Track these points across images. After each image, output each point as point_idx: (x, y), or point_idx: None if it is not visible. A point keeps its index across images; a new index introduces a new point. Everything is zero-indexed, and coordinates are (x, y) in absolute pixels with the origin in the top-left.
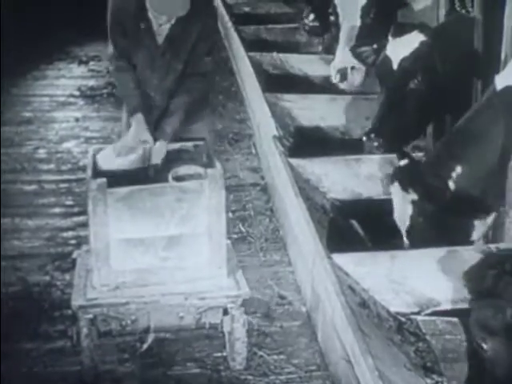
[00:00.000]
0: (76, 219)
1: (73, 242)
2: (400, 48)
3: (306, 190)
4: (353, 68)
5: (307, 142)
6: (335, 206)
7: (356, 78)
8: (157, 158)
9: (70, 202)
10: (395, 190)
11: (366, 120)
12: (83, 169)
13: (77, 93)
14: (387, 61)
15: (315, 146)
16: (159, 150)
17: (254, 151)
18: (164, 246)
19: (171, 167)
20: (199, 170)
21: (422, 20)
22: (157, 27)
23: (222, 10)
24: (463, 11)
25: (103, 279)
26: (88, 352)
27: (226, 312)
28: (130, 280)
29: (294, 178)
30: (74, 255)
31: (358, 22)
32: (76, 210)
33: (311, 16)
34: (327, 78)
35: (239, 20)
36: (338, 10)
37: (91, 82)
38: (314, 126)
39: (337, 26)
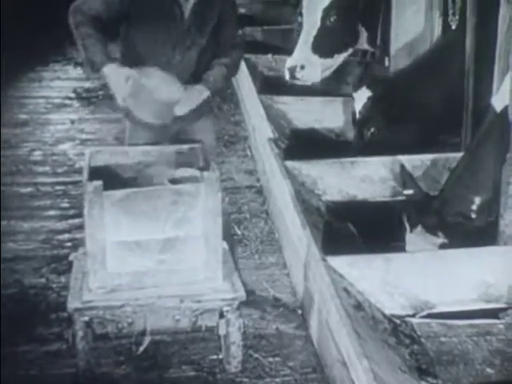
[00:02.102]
0: (72, 221)
1: (68, 244)
2: (358, 101)
3: (301, 192)
4: (302, 67)
5: (302, 145)
6: (330, 208)
7: (308, 75)
8: (193, 101)
9: (65, 205)
10: (418, 233)
11: None
12: (79, 171)
13: (72, 95)
14: (353, 112)
15: (310, 149)
16: (198, 92)
17: (249, 153)
18: (160, 249)
19: (167, 170)
20: (195, 172)
21: (415, 34)
22: (184, 2)
23: None
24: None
25: (99, 282)
26: (84, 355)
27: (222, 315)
28: (126, 282)
29: (289, 181)
30: (71, 258)
31: (318, 24)
32: (72, 212)
33: (299, 18)
34: (323, 80)
35: None
36: (303, 10)
37: (87, 84)
38: (309, 129)
39: (301, 26)
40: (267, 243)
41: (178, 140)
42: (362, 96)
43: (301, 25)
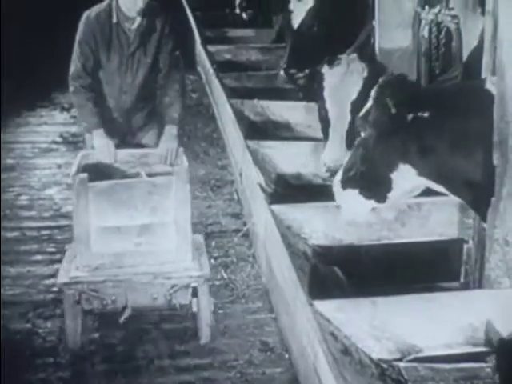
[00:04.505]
0: (57, 266)
1: (54, 289)
2: None
3: (287, 236)
4: None
5: (289, 189)
6: (317, 252)
7: None
8: (168, 141)
9: (51, 249)
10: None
11: None
12: (65, 215)
13: (59, 139)
14: None
15: (297, 193)
16: (169, 133)
17: (236, 197)
18: (137, 233)
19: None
20: (168, 168)
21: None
22: (127, 30)
23: (203, 57)
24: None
25: (85, 261)
26: (73, 329)
27: (194, 294)
28: (107, 262)
29: (275, 225)
30: (66, 247)
31: (349, 117)
32: (58, 256)
33: (322, 112)
34: (308, 125)
35: (220, 67)
36: (327, 105)
37: (73, 129)
38: (295, 173)
39: (326, 121)
40: (254, 287)
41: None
42: None
43: (324, 119)
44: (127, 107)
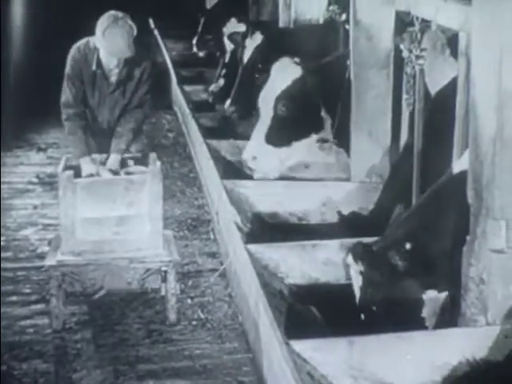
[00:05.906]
0: (34, 307)
1: (30, 330)
2: None
3: (263, 275)
4: (254, 158)
5: (265, 228)
6: (293, 291)
7: (262, 165)
8: (112, 166)
9: (27, 290)
10: (349, 260)
11: (322, 206)
12: (41, 256)
13: (35, 180)
14: None
15: (273, 232)
16: (114, 160)
17: (212, 237)
18: (116, 223)
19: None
20: (143, 168)
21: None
22: (108, 72)
23: (180, 96)
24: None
25: (69, 247)
26: (56, 307)
27: (164, 280)
28: (89, 248)
29: (252, 264)
30: (53, 236)
31: (271, 114)
32: (34, 297)
33: (228, 101)
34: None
35: (197, 107)
36: (259, 100)
37: (50, 169)
38: (271, 212)
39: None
40: (231, 327)
41: None
42: None
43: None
44: (110, 136)
